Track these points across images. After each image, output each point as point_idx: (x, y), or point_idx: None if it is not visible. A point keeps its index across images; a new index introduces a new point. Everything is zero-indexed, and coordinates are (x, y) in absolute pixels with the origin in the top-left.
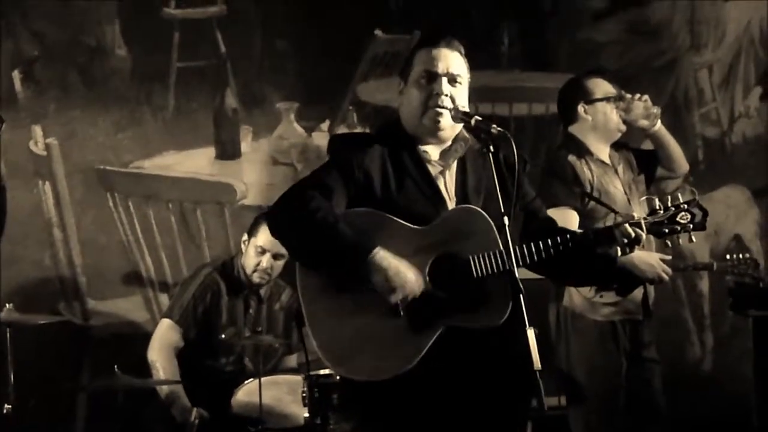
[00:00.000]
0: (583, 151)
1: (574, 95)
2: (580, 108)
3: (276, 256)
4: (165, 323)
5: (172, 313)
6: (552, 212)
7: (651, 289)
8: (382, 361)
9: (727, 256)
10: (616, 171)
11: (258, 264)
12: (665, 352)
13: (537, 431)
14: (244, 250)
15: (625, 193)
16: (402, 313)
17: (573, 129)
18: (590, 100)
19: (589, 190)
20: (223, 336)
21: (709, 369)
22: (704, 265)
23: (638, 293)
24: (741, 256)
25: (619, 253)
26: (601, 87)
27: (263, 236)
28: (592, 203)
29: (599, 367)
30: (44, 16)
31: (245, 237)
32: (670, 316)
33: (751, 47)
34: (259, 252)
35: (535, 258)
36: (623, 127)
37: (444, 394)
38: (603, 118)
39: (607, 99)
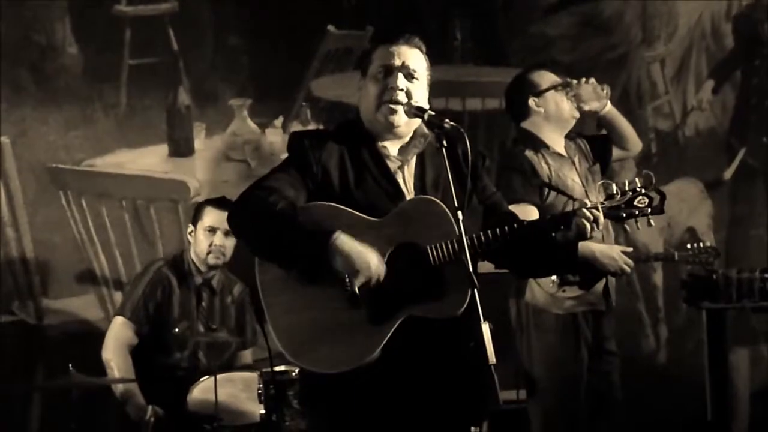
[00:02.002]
0: (539, 145)
1: (521, 91)
2: (531, 102)
3: (227, 233)
4: (118, 321)
5: (124, 311)
6: (511, 208)
7: (612, 280)
8: (342, 353)
9: (688, 246)
10: (573, 162)
11: (211, 244)
12: (620, 344)
13: (495, 424)
14: (192, 240)
15: (583, 185)
16: (364, 298)
17: (526, 124)
18: (539, 92)
19: (547, 183)
20: (176, 330)
21: (663, 361)
22: (665, 255)
23: (599, 284)
24: (702, 245)
25: (578, 237)
26: (547, 77)
27: (209, 217)
28: (551, 197)
29: (560, 360)
30: None
31: (190, 228)
32: (624, 309)
33: (702, 40)
34: (209, 232)
35: (492, 242)
36: (576, 114)
37: (401, 388)
38: (555, 107)
39: (554, 87)
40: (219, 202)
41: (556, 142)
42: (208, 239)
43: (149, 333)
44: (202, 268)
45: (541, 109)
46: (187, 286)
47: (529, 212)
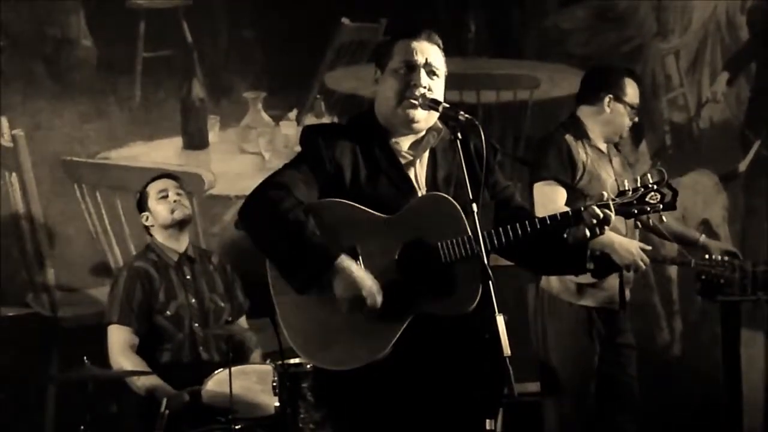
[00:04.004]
0: (581, 134)
1: (606, 83)
2: (606, 99)
3: (179, 192)
4: (111, 329)
5: (112, 316)
6: (541, 187)
7: (629, 277)
8: (353, 350)
9: (706, 256)
10: (610, 160)
11: (169, 203)
12: (635, 337)
13: (509, 417)
14: (152, 221)
15: (616, 181)
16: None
17: (582, 112)
18: (620, 99)
19: (581, 171)
20: (168, 313)
21: (678, 354)
22: (682, 261)
23: (614, 283)
24: (721, 258)
25: (588, 234)
26: (633, 92)
27: (155, 188)
28: (583, 182)
29: (573, 350)
30: (8, 7)
31: (144, 215)
32: (639, 302)
33: (717, 32)
34: (162, 198)
35: (503, 241)
36: (625, 135)
37: (415, 381)
38: (620, 120)
39: (631, 106)
40: (156, 177)
41: (598, 138)
42: (165, 202)
43: (146, 328)
44: (172, 241)
45: (608, 110)
46: (165, 268)
47: (557, 193)
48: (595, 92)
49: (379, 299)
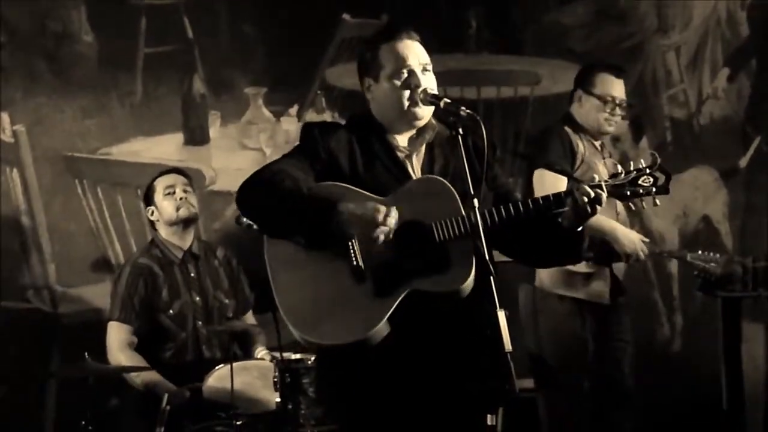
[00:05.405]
0: (578, 129)
1: (582, 78)
2: (577, 93)
3: (185, 189)
4: (111, 326)
5: (113, 314)
6: (542, 173)
7: (620, 268)
8: (348, 325)
9: (700, 252)
10: (603, 157)
11: (175, 200)
12: (635, 333)
13: (508, 413)
14: (158, 217)
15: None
16: (369, 271)
17: (572, 108)
18: (589, 92)
19: (579, 162)
20: (171, 312)
21: (678, 350)
22: (679, 255)
23: (606, 279)
24: (713, 254)
25: (580, 214)
26: (605, 85)
27: (161, 184)
28: (579, 172)
29: (566, 346)
30: (10, 2)
31: (149, 210)
32: (639, 298)
33: (717, 28)
34: (169, 195)
35: (496, 221)
36: (607, 131)
37: (417, 376)
38: (593, 114)
39: (603, 99)
40: (165, 171)
41: (588, 134)
42: (171, 199)
43: (147, 327)
44: (176, 238)
45: (579, 104)
46: (170, 264)
47: (559, 180)
48: (574, 89)
49: (394, 213)
